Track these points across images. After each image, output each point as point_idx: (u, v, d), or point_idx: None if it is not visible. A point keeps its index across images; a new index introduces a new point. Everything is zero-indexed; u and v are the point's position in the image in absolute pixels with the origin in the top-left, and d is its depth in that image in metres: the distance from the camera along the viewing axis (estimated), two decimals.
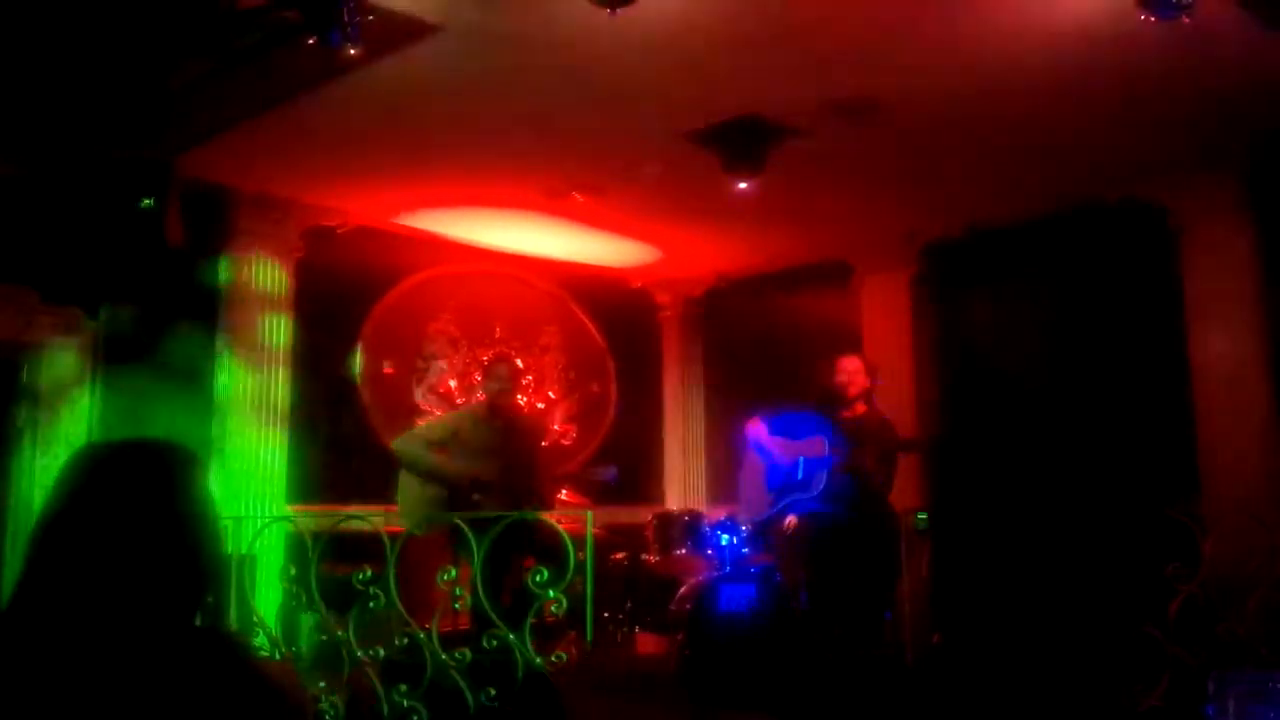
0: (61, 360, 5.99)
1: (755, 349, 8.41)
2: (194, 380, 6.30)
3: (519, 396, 7.37)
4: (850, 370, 5.57)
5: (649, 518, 6.67)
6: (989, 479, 6.66)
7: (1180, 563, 4.39)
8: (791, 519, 5.57)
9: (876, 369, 5.70)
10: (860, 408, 5.59)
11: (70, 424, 5.93)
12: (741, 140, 5.51)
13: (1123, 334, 6.62)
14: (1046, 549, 6.10)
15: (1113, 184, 6.37)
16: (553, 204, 6.74)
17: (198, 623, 1.41)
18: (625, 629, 6.30)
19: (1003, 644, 5.30)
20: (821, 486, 5.53)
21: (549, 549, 5.28)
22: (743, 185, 5.65)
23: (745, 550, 6.12)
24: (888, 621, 5.48)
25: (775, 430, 5.76)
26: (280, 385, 6.55)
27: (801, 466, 5.61)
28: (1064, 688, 4.62)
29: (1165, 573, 4.40)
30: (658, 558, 6.37)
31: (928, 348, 7.56)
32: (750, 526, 6.04)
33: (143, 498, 1.41)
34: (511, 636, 4.15)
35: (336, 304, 7.08)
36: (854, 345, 7.02)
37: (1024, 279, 7.11)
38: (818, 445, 5.54)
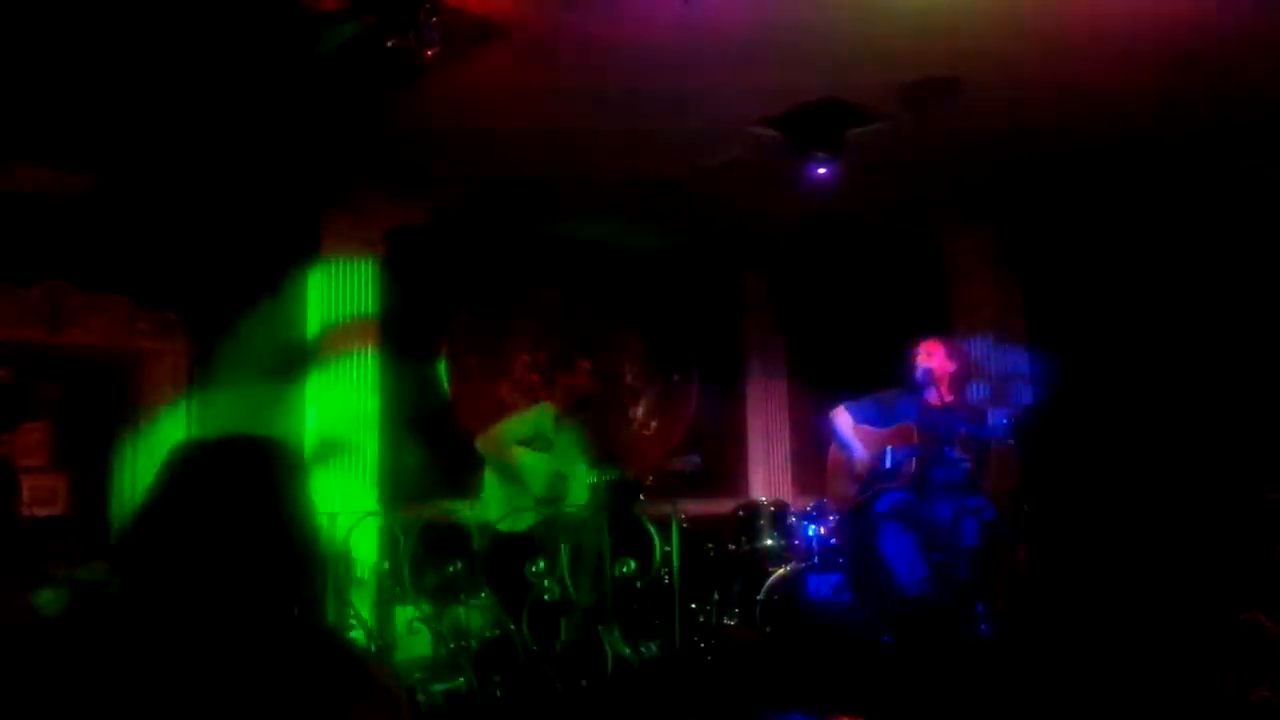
0: (159, 364, 6.18)
1: (840, 335, 8.31)
2: (287, 380, 6.46)
3: (600, 390, 7.39)
4: (931, 353, 5.46)
5: (734, 508, 6.64)
6: (1087, 463, 6.48)
7: None
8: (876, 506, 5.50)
9: (963, 355, 5.57)
10: (947, 395, 5.47)
11: (169, 426, 6.12)
12: (819, 124, 5.45)
13: (1223, 310, 6.38)
14: (1149, 533, 5.92)
15: (1208, 153, 6.15)
16: (630, 195, 6.75)
17: (297, 615, 1.44)
18: (713, 620, 6.28)
19: (1105, 631, 5.16)
20: (910, 475, 5.44)
21: (635, 541, 5.29)
22: (821, 170, 5.58)
23: (832, 540, 6.06)
24: (982, 611, 5.37)
25: (861, 418, 5.68)
26: (370, 383, 6.68)
27: (888, 455, 5.52)
28: (1169, 675, 4.48)
29: (1275, 558, 4.25)
30: (744, 549, 6.34)
31: (1017, 328, 7.39)
32: (837, 516, 5.97)
33: (242, 491, 1.45)
34: (600, 628, 4.18)
35: (421, 302, 7.19)
36: (942, 328, 6.89)
37: (1114, 255, 6.90)
38: (905, 432, 5.45)
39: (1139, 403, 6.49)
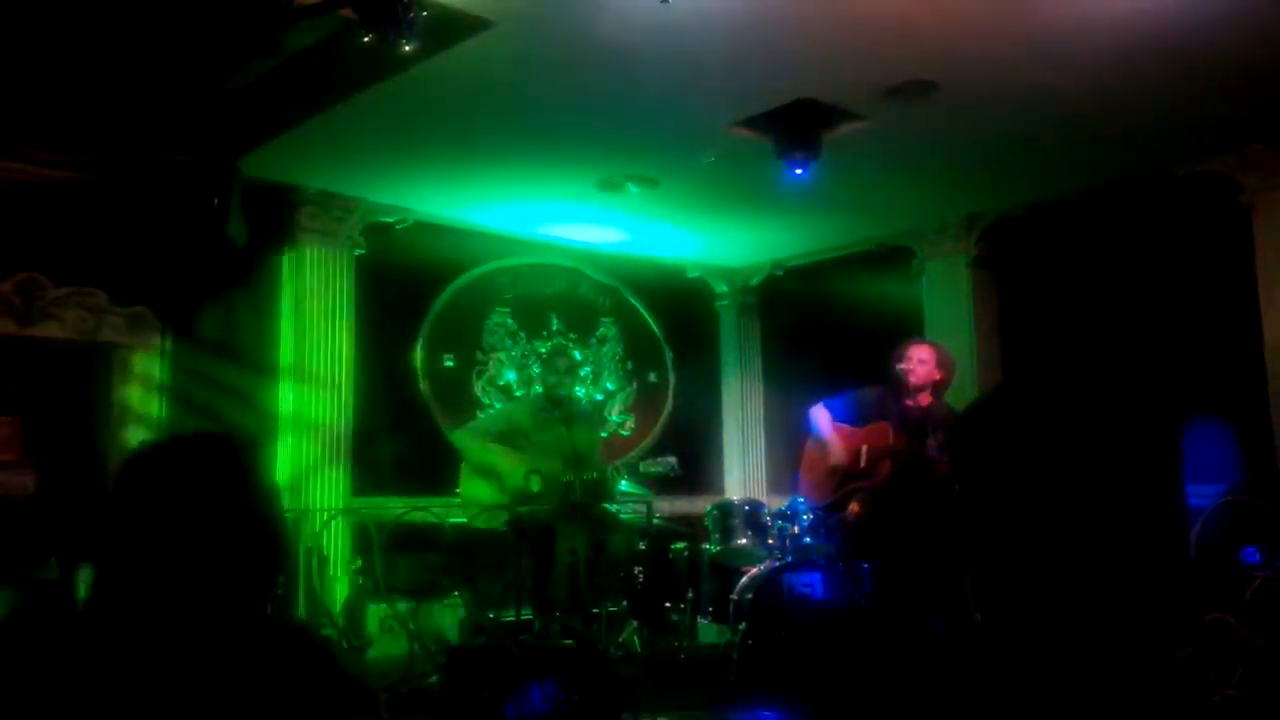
0: (131, 359, 6.13)
1: (815, 336, 8.34)
2: (260, 375, 6.42)
3: (576, 387, 7.39)
4: (921, 359, 5.46)
5: (709, 507, 6.65)
6: (1054, 460, 6.51)
7: (1256, 548, 4.29)
8: (854, 506, 5.52)
9: (950, 362, 5.53)
10: (925, 398, 5.47)
11: (141, 421, 6.07)
12: (796, 125, 5.46)
13: (1192, 312, 6.45)
14: (1115, 534, 5.97)
15: (1179, 158, 6.22)
16: (607, 196, 6.75)
17: (269, 614, 1.43)
18: (687, 619, 6.29)
19: (1070, 633, 5.18)
20: (884, 475, 5.47)
21: (609, 539, 5.30)
22: (798, 171, 5.59)
23: (807, 539, 6.08)
24: (950, 611, 5.40)
25: (839, 415, 5.70)
26: (344, 379, 6.65)
27: (864, 454, 5.54)
28: (1133, 677, 4.52)
29: (1241, 561, 4.29)
30: (719, 547, 6.35)
31: (991, 331, 7.44)
32: (812, 515, 5.99)
33: (205, 490, 1.43)
34: (575, 624, 4.18)
35: (397, 299, 7.16)
36: (916, 330, 6.92)
37: (1088, 259, 6.96)
38: (881, 431, 5.47)
39: (1111, 400, 6.53)
